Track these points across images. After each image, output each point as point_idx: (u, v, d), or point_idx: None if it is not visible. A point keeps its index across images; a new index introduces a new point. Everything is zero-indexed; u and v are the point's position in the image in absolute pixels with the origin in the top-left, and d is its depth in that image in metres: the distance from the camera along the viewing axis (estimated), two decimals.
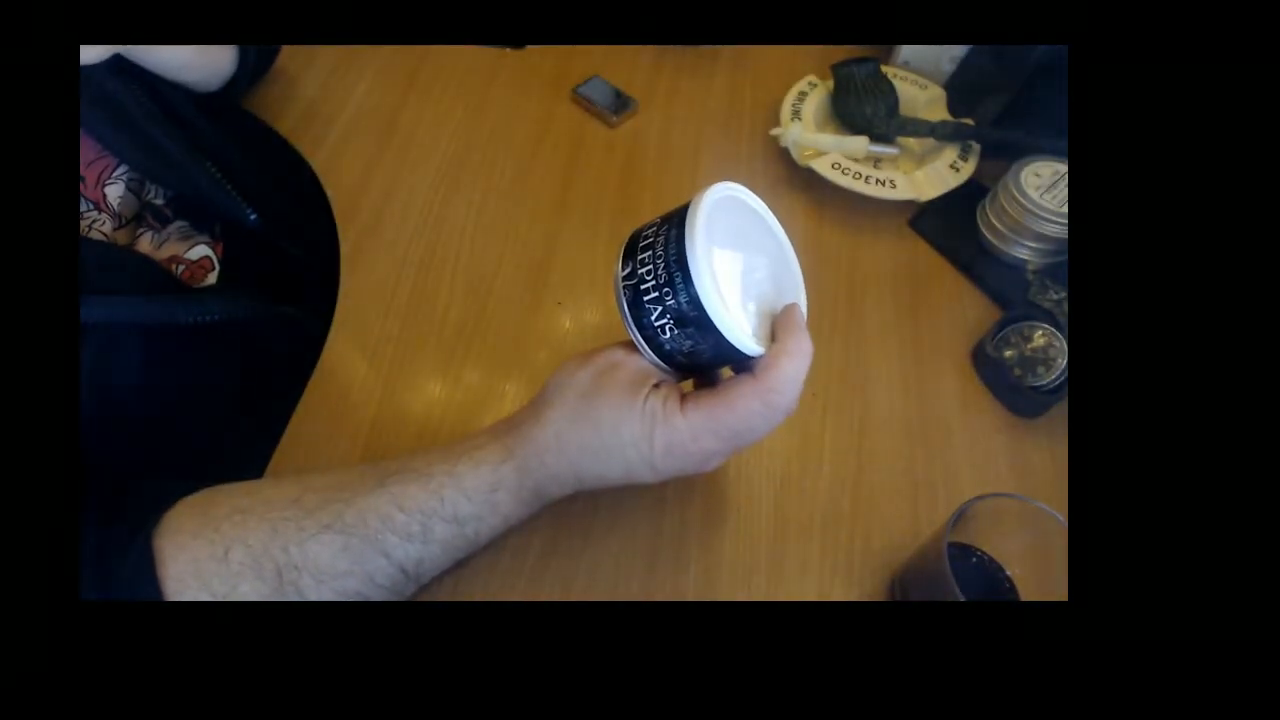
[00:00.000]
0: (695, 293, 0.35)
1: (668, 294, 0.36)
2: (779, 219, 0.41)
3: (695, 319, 0.35)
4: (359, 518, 0.36)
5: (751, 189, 0.40)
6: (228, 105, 0.55)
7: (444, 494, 0.38)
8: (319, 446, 0.48)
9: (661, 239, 0.36)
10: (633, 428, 0.37)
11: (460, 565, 0.45)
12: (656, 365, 0.39)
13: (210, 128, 0.53)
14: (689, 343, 0.37)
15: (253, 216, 0.52)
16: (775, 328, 0.38)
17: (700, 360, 0.38)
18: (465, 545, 0.39)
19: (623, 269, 0.38)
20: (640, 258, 0.37)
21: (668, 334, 0.37)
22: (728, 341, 0.36)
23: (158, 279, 0.47)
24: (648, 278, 0.36)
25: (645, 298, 0.36)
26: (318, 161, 0.61)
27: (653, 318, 0.37)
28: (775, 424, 0.37)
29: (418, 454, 0.39)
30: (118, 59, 0.46)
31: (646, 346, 0.38)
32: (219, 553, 0.34)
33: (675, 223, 0.36)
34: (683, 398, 0.37)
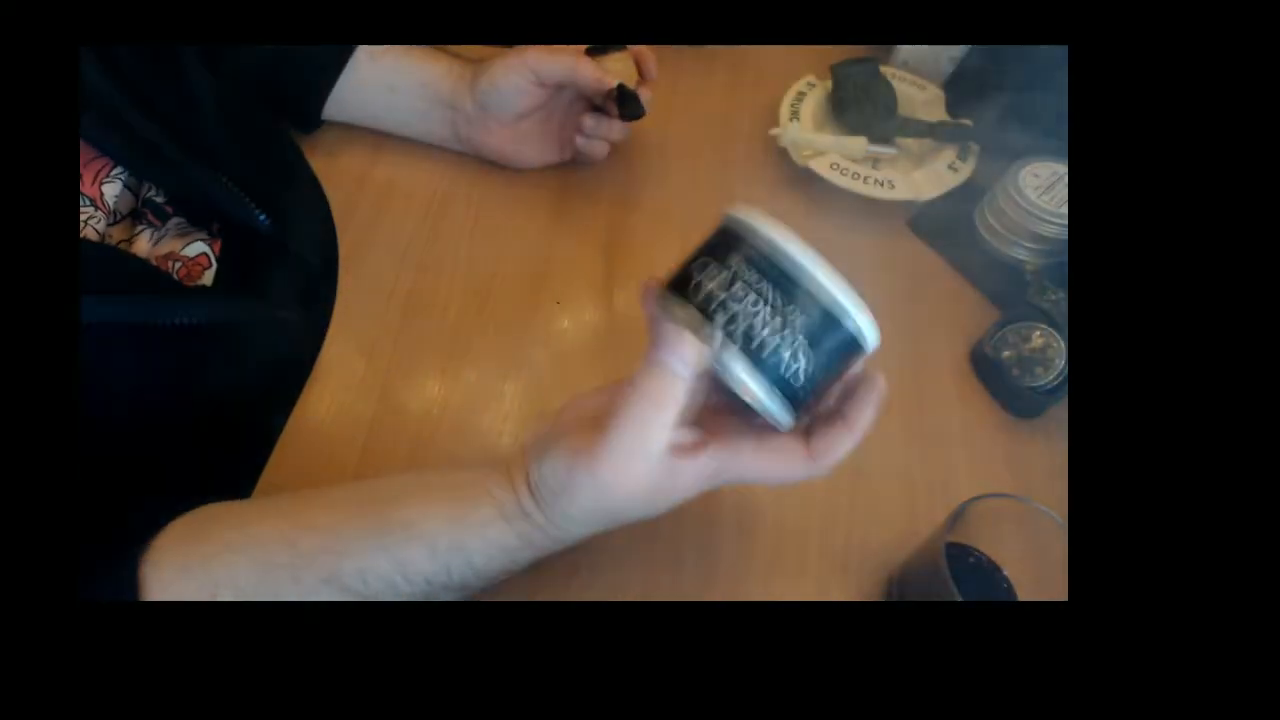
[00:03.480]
0: (818, 296, 0.32)
1: (791, 315, 0.32)
2: (780, 221, 0.36)
3: (822, 322, 0.32)
4: (358, 577, 0.35)
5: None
6: (225, 104, 0.55)
7: (451, 568, 0.36)
8: (318, 447, 0.48)
9: (741, 272, 0.32)
10: (637, 490, 0.34)
11: None
12: (776, 414, 0.34)
13: (208, 127, 0.53)
14: (817, 361, 0.33)
15: (264, 220, 0.52)
16: (848, 395, 0.36)
17: (824, 376, 0.34)
18: (475, 592, 0.38)
19: (715, 332, 0.32)
20: (727, 298, 0.32)
21: (797, 363, 0.33)
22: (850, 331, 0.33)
23: (149, 278, 0.46)
24: (754, 310, 0.32)
25: (763, 336, 0.32)
26: (316, 160, 0.61)
27: (781, 354, 0.32)
28: None
29: (416, 502, 0.37)
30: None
31: (775, 394, 0.33)
32: (205, 595, 0.33)
33: (745, 245, 0.33)
34: (697, 443, 0.35)
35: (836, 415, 0.36)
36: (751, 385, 0.32)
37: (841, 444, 0.35)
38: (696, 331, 0.32)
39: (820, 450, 0.36)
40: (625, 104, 0.57)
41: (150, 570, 0.33)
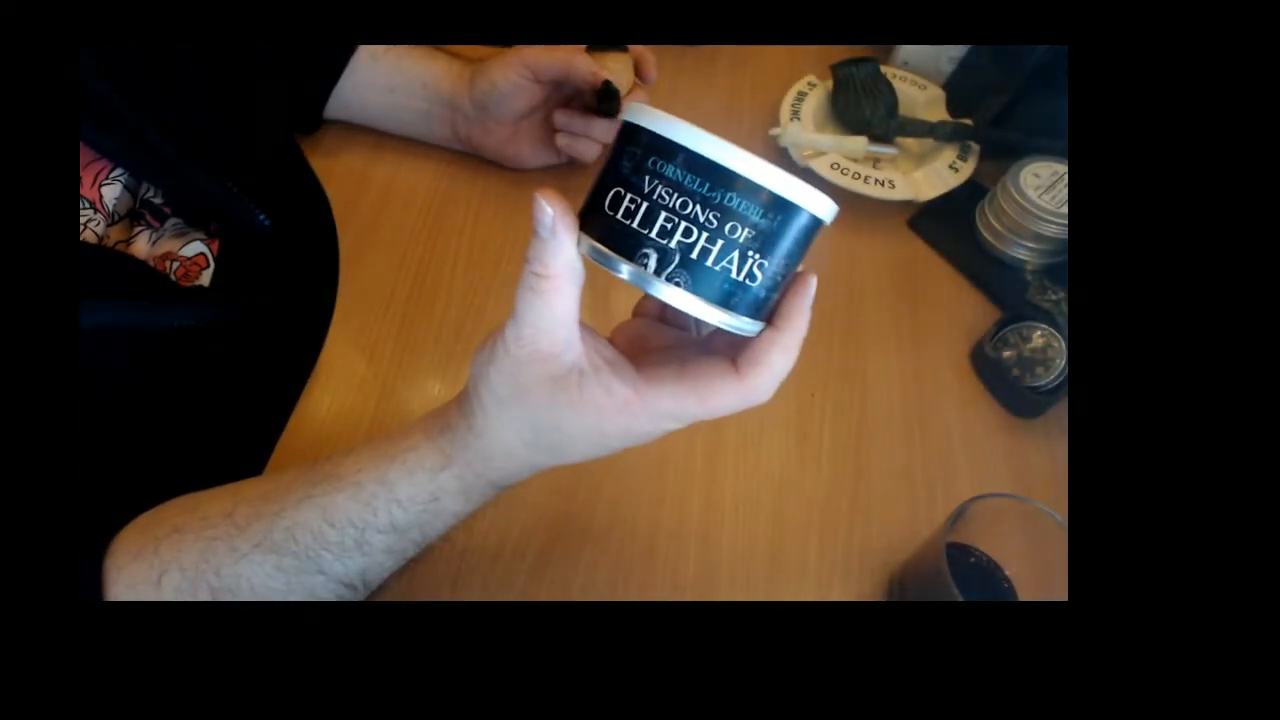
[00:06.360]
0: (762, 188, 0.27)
1: (736, 226, 0.28)
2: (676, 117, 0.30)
3: (776, 217, 0.28)
4: (287, 534, 0.34)
5: None
6: (225, 105, 0.55)
7: (376, 505, 0.34)
8: (318, 448, 0.48)
9: (659, 191, 0.28)
10: (579, 422, 0.32)
11: (458, 564, 0.45)
12: (736, 326, 0.30)
13: (208, 128, 0.53)
14: (779, 260, 0.29)
15: (265, 220, 0.52)
16: (780, 301, 0.31)
17: (783, 267, 0.30)
18: (413, 546, 0.37)
19: (655, 266, 0.28)
20: (662, 226, 0.28)
21: (750, 270, 0.29)
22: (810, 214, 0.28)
23: (148, 281, 0.46)
24: (695, 233, 0.28)
25: (717, 254, 0.28)
26: (316, 160, 0.61)
27: (731, 266, 0.28)
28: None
29: (350, 455, 0.36)
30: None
31: (731, 316, 0.29)
32: (153, 577, 0.33)
33: (654, 157, 0.28)
34: (636, 378, 0.32)
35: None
36: (698, 307, 0.29)
37: (768, 351, 0.30)
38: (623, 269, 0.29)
39: (746, 363, 0.30)
40: (603, 99, 0.57)
41: (110, 559, 0.34)
